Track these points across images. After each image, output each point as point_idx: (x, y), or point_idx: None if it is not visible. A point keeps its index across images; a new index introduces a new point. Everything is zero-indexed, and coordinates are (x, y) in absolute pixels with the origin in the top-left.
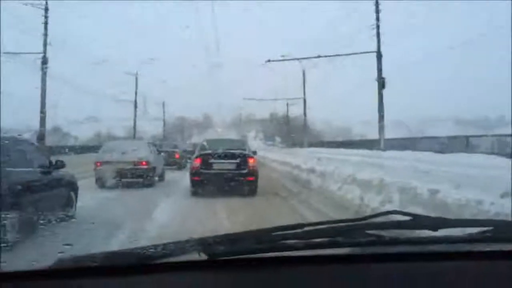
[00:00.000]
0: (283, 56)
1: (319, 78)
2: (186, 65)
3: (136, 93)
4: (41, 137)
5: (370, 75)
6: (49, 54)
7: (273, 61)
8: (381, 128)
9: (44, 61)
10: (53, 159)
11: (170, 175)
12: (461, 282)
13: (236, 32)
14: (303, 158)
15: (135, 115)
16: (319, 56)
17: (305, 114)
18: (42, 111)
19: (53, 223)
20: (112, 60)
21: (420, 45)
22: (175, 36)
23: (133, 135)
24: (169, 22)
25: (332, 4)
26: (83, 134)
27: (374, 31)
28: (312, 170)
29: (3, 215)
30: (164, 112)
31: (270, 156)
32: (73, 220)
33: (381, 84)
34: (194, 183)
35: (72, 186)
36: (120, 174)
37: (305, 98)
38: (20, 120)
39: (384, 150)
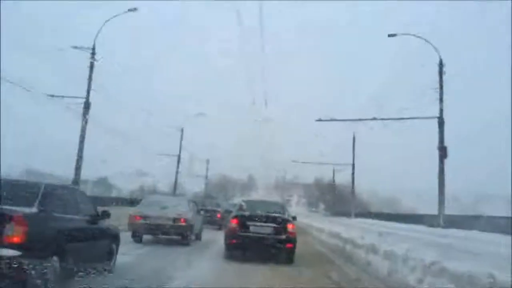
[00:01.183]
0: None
1: (369, 144)
2: (233, 123)
3: (180, 148)
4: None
5: (425, 143)
6: (97, 103)
7: (323, 120)
8: (441, 203)
9: (86, 107)
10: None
11: (209, 235)
12: None
13: (286, 92)
14: (355, 230)
15: (177, 170)
16: (374, 119)
17: (353, 181)
18: (79, 161)
19: (91, 276)
20: (160, 113)
21: (479, 113)
22: (224, 94)
23: (174, 190)
24: (219, 79)
25: (387, 68)
26: (127, 186)
27: (435, 95)
28: (373, 249)
29: (49, 259)
30: (207, 169)
31: (315, 225)
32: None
33: (443, 153)
34: (229, 245)
35: (115, 238)
36: (157, 229)
37: (354, 164)
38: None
39: (443, 227)
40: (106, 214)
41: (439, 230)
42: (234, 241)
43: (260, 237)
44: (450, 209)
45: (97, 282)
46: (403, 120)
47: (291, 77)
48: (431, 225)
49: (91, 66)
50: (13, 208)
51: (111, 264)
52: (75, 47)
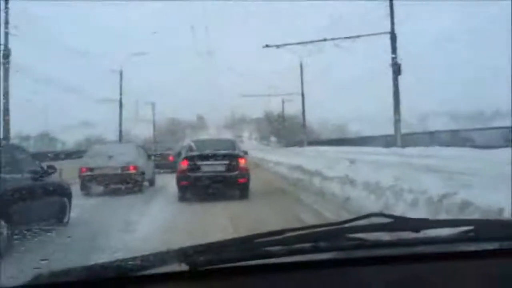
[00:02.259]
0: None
1: (318, 71)
2: (175, 60)
3: (121, 92)
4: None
5: (374, 65)
6: (23, 50)
7: (271, 46)
8: (397, 122)
9: (6, 54)
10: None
11: (163, 179)
12: (445, 282)
13: (229, 20)
14: (316, 160)
15: (121, 116)
16: (324, 40)
17: (303, 110)
18: (6, 116)
19: (44, 234)
20: (95, 54)
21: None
22: (162, 29)
23: (119, 138)
24: (154, 14)
25: None
26: (71, 139)
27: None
28: (349, 181)
29: None
30: (154, 113)
31: (270, 158)
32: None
33: (397, 70)
34: (181, 187)
35: (65, 193)
36: (107, 180)
37: (303, 93)
38: None
39: (402, 147)
40: (51, 169)
41: (401, 150)
42: (186, 182)
43: (212, 176)
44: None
45: (52, 239)
46: (355, 38)
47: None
48: (388, 146)
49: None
50: None
51: (65, 219)
52: None
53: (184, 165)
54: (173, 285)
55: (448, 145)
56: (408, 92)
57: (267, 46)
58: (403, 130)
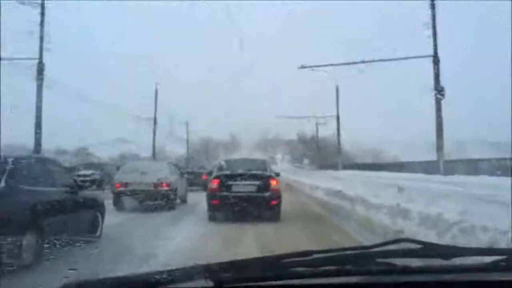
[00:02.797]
0: (313, 69)
1: (353, 94)
2: (210, 78)
3: (155, 109)
4: None
5: (411, 89)
6: (59, 66)
7: (307, 67)
8: (439, 148)
9: (40, 69)
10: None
11: (195, 197)
12: None
13: (267, 39)
14: (356, 185)
15: (154, 134)
16: (362, 62)
17: (338, 132)
18: (38, 129)
19: (73, 246)
20: (131, 71)
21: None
22: (199, 47)
23: (153, 155)
24: (191, 31)
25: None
26: (106, 154)
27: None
28: (400, 212)
29: (21, 235)
30: (188, 132)
31: (305, 181)
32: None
33: (440, 93)
34: (211, 206)
35: (98, 207)
36: (140, 196)
37: (339, 115)
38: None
39: (445, 175)
40: (87, 183)
41: (446, 178)
42: (216, 201)
43: (243, 196)
44: (432, 157)
45: (82, 253)
46: (394, 61)
47: (272, 22)
48: (429, 173)
49: (42, 21)
50: None
51: (97, 233)
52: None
53: (214, 184)
54: None
55: (491, 174)
56: (446, 117)
57: (302, 67)
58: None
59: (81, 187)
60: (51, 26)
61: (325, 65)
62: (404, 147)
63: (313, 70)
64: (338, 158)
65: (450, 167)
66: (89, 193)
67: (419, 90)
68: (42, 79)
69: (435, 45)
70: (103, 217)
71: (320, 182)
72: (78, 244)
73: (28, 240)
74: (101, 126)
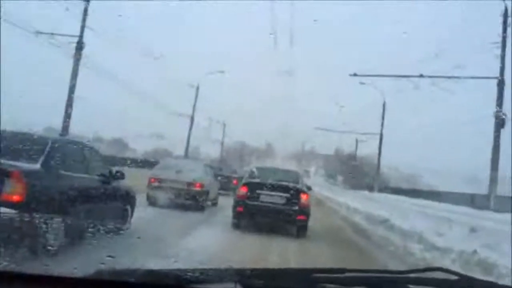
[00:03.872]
0: (362, 83)
1: (395, 112)
2: (252, 82)
3: (194, 107)
4: None
5: (456, 112)
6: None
7: (360, 76)
8: (493, 181)
9: (79, 47)
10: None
11: (225, 200)
12: None
13: (315, 44)
14: (402, 213)
15: (190, 132)
16: (421, 76)
17: (380, 152)
18: (67, 117)
19: (106, 234)
20: (174, 64)
21: None
22: (245, 53)
23: (185, 153)
24: (234, 31)
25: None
26: (141, 148)
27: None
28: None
29: (53, 219)
30: (224, 133)
31: (337, 199)
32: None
33: (501, 121)
34: (236, 214)
35: (129, 199)
36: (173, 193)
37: (382, 134)
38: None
39: (496, 211)
40: (120, 175)
41: (501, 216)
42: (242, 209)
43: (270, 207)
44: (470, 190)
45: (110, 238)
46: (450, 81)
47: (322, 26)
48: (476, 207)
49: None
50: (15, 163)
51: (126, 225)
52: None
53: (243, 191)
54: None
55: None
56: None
57: (355, 75)
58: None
59: (115, 178)
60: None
61: (379, 75)
62: (439, 176)
63: (361, 83)
64: (376, 179)
65: (497, 203)
66: (123, 184)
67: (474, 117)
68: (79, 57)
69: (502, 66)
70: (133, 209)
71: (358, 204)
72: (105, 233)
73: (58, 222)
74: (139, 119)
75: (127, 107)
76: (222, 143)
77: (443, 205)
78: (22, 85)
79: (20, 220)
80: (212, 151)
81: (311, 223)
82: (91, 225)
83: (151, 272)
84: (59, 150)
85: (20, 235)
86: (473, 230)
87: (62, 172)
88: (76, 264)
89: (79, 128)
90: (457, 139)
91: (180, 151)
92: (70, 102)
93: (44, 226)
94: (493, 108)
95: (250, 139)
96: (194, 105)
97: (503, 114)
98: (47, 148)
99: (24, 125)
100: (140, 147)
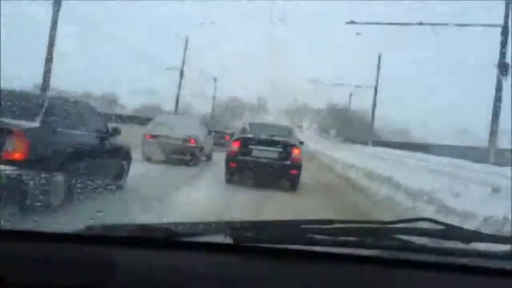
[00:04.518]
0: (358, 33)
1: (390, 64)
2: (243, 33)
3: (183, 61)
4: None
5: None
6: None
7: (357, 23)
8: (493, 134)
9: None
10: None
11: (218, 156)
12: None
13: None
14: (408, 171)
15: (179, 87)
16: (420, 24)
17: (374, 105)
18: (47, 72)
19: (103, 190)
20: (163, 24)
21: None
22: (236, 3)
23: (175, 109)
24: None
25: None
26: (131, 104)
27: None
28: None
29: (54, 175)
30: (215, 88)
31: (336, 156)
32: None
33: (503, 70)
34: (229, 169)
35: (126, 155)
36: (167, 149)
37: (377, 85)
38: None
39: (497, 164)
40: (116, 131)
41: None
42: (235, 164)
43: (262, 162)
44: (460, 142)
45: (108, 197)
46: (452, 29)
47: None
48: (476, 161)
49: None
50: (14, 122)
51: (122, 181)
52: None
53: (235, 146)
54: (217, 255)
55: None
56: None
57: (352, 22)
58: (481, 144)
59: (112, 134)
60: None
61: (377, 23)
62: (430, 129)
63: (357, 34)
64: (370, 133)
65: (497, 156)
66: (118, 141)
67: (474, 69)
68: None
69: (507, 14)
70: (129, 165)
71: (354, 159)
72: (103, 189)
73: (59, 179)
74: (130, 74)
75: (117, 63)
76: (213, 98)
77: (441, 159)
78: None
79: (23, 178)
80: (203, 107)
81: (307, 180)
82: (90, 181)
83: (140, 227)
84: (56, 108)
85: (23, 192)
86: (496, 189)
87: (61, 129)
88: (74, 220)
89: (67, 84)
90: (450, 91)
91: (172, 107)
92: (50, 57)
93: (46, 182)
94: (491, 58)
95: (242, 94)
96: (184, 59)
97: (505, 64)
98: (45, 106)
99: (9, 82)
100: (130, 103)
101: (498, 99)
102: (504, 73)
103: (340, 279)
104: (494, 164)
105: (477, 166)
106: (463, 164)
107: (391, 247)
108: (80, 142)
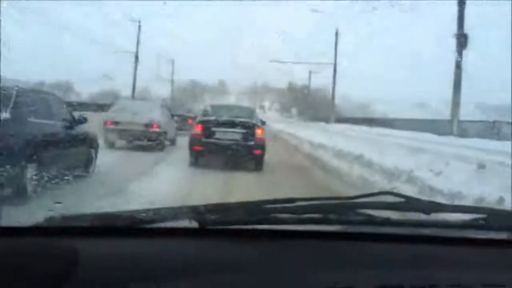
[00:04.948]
0: (314, 10)
1: (347, 40)
2: (198, 13)
3: (138, 44)
4: None
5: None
6: None
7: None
8: (455, 105)
9: None
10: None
11: (182, 140)
12: (449, 266)
13: None
14: (377, 147)
15: (135, 71)
16: None
17: (334, 82)
18: None
19: (70, 180)
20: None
21: None
22: None
23: (132, 94)
24: None
25: None
26: (86, 91)
27: None
28: None
29: (26, 165)
30: (173, 72)
31: (299, 134)
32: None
33: (462, 41)
34: (193, 152)
35: (92, 143)
36: (130, 135)
37: (336, 64)
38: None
39: (460, 136)
40: (82, 119)
41: (467, 141)
42: (198, 148)
43: (226, 144)
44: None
45: (74, 187)
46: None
47: None
48: (438, 133)
49: None
50: None
51: (90, 169)
52: None
53: (197, 129)
54: (182, 240)
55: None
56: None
57: None
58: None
59: (78, 122)
60: None
61: None
62: (388, 103)
63: (313, 11)
64: (332, 110)
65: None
66: (84, 130)
67: (428, 41)
68: None
69: None
70: (96, 153)
71: (321, 138)
72: (70, 178)
73: (30, 170)
74: (83, 60)
75: (70, 49)
76: (172, 82)
77: (406, 133)
78: None
79: None
80: (162, 91)
81: (273, 162)
82: (60, 171)
83: (102, 216)
84: (24, 99)
85: None
86: (481, 166)
87: (30, 119)
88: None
89: (18, 73)
90: (406, 66)
91: (128, 92)
92: None
93: (16, 174)
94: (448, 31)
95: (201, 77)
96: (138, 42)
97: (463, 33)
98: (13, 98)
99: None
100: (85, 90)
101: (458, 67)
102: (463, 44)
103: (306, 255)
104: (458, 135)
105: (443, 139)
106: (429, 138)
107: (355, 221)
108: (49, 132)
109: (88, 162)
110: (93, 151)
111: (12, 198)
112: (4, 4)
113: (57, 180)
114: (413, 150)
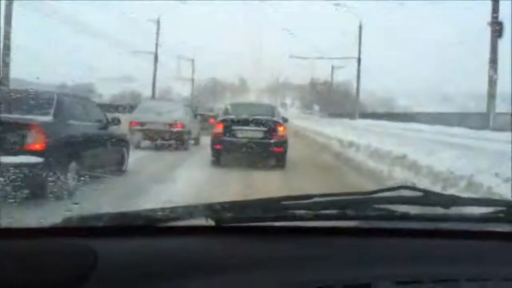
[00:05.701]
0: (337, 4)
1: (371, 35)
2: (219, 10)
3: (157, 44)
4: None
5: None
6: None
7: None
8: (491, 97)
9: None
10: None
11: (205, 139)
12: (469, 260)
13: None
14: (418, 147)
15: (155, 71)
16: None
17: (359, 77)
18: (5, 65)
19: (107, 178)
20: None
21: None
22: None
23: (152, 94)
24: None
25: None
26: (108, 92)
27: None
28: None
29: (69, 164)
30: (193, 71)
31: (325, 132)
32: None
33: (498, 31)
34: (215, 151)
35: (125, 143)
36: (156, 135)
37: (360, 58)
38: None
39: (494, 130)
40: (116, 120)
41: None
42: (220, 146)
43: (247, 142)
44: (441, 109)
45: (111, 184)
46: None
47: None
48: (470, 127)
49: None
50: (30, 117)
51: (123, 168)
52: None
53: (219, 128)
54: (198, 238)
55: None
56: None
57: None
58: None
59: (112, 123)
60: None
61: None
62: (412, 98)
63: (336, 5)
64: (356, 105)
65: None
66: (116, 130)
67: (456, 36)
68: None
69: None
70: (128, 152)
71: (351, 135)
72: (107, 176)
73: (72, 170)
74: (105, 62)
75: (91, 52)
76: (192, 81)
77: (440, 128)
78: None
79: (41, 168)
80: (183, 91)
81: (301, 163)
82: (98, 170)
83: (119, 215)
84: (64, 103)
85: (40, 183)
86: None
87: (70, 121)
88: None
89: (38, 75)
90: (430, 60)
91: (149, 93)
92: (7, 51)
93: (61, 173)
94: (478, 26)
95: (222, 75)
96: (157, 41)
97: (498, 22)
98: (54, 102)
99: None
100: (107, 92)
101: (494, 58)
102: (499, 34)
103: (323, 252)
104: (494, 129)
105: (481, 133)
106: (466, 133)
107: (373, 217)
108: (88, 133)
109: (121, 161)
110: (125, 150)
111: (56, 195)
112: (24, 7)
113: (96, 176)
114: (459, 147)
